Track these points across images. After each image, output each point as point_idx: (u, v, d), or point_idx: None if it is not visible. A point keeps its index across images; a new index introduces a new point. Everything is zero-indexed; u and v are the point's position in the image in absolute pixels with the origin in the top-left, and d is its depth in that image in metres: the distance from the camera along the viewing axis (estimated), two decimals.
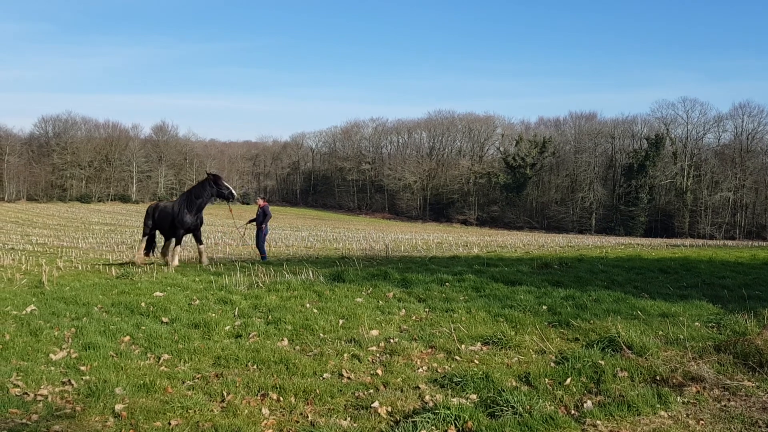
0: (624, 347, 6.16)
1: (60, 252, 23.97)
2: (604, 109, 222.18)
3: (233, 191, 15.57)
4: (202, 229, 16.00)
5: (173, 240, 15.81)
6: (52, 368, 5.96)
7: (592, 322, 7.35)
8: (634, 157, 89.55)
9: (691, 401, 5.06)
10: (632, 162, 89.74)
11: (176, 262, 15.18)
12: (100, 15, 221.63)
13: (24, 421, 4.74)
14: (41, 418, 4.80)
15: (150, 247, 16.67)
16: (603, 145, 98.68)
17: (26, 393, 5.30)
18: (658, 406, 4.95)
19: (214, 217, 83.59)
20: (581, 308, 8.12)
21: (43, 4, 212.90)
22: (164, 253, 16.46)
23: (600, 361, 5.83)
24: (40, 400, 5.16)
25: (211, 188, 15.38)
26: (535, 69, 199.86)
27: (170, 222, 15.49)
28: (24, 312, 8.20)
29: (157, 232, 16.50)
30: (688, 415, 4.82)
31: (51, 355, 6.35)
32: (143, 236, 16.63)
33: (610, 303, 8.43)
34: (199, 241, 15.86)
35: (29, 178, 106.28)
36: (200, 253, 15.77)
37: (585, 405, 5.01)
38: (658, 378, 5.51)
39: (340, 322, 7.70)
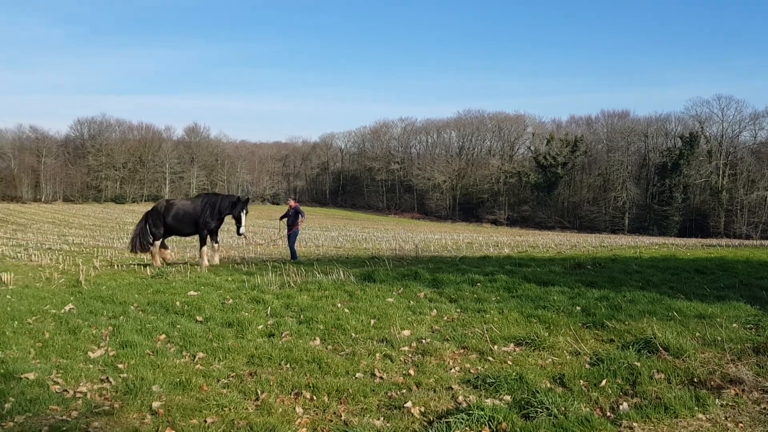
0: (660, 349, 6.06)
1: (96, 252, 24.43)
2: (636, 108, 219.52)
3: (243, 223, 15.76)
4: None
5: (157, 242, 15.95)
6: (91, 366, 6.08)
7: (627, 323, 7.25)
8: (668, 156, 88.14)
9: (730, 404, 4.96)
10: (666, 161, 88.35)
11: (216, 261, 15.40)
12: (134, 18, 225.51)
13: (64, 417, 4.84)
14: (81, 415, 4.90)
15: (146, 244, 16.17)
16: (636, 143, 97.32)
17: (66, 390, 5.41)
18: (696, 408, 4.86)
19: (245, 217, 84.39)
20: (616, 309, 8.01)
21: (79, 8, 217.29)
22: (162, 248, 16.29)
23: (636, 363, 5.75)
24: (79, 397, 5.27)
25: (238, 209, 15.48)
26: (567, 67, 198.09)
27: (194, 222, 15.51)
28: (63, 311, 8.38)
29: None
30: (726, 418, 4.73)
31: (89, 353, 6.48)
32: (155, 239, 15.94)
33: (645, 304, 8.30)
34: (215, 240, 15.93)
35: (65, 180, 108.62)
36: (214, 252, 15.83)
37: (621, 407, 4.95)
38: (695, 380, 5.42)
39: (372, 321, 7.72)
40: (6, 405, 5.01)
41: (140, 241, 16.03)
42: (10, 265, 17.53)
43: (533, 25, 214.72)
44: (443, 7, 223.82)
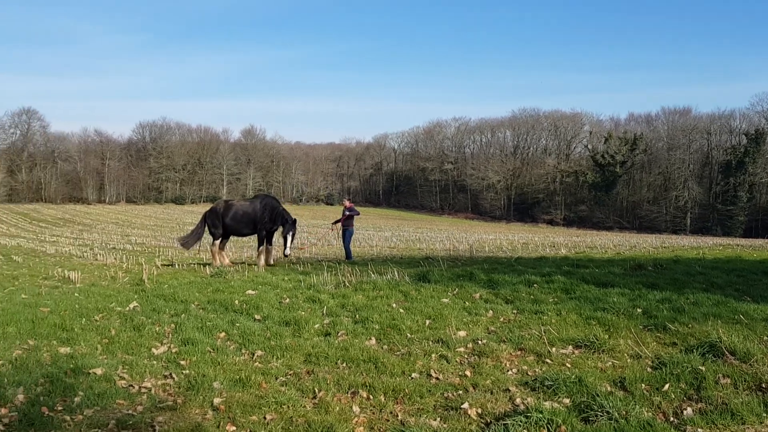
0: (726, 353, 5.86)
1: (157, 251, 25.15)
2: (699, 104, 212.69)
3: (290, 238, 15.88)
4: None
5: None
6: (154, 362, 6.26)
7: (690, 326, 7.03)
8: (732, 154, 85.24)
9: None
10: (730, 159, 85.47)
11: (270, 261, 15.67)
12: (194, 24, 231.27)
13: (130, 411, 5.01)
14: (146, 410, 5.05)
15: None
16: (698, 141, 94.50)
17: (131, 385, 5.60)
18: (765, 414, 4.68)
19: (300, 217, 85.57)
20: (678, 312, 7.78)
21: (142, 16, 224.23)
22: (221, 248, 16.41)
23: (700, 367, 5.57)
24: (144, 392, 5.44)
25: (287, 230, 15.72)
26: (625, 63, 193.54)
27: (252, 223, 15.71)
28: (127, 308, 8.66)
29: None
30: None
31: (153, 350, 6.68)
32: (214, 239, 16.19)
33: (709, 306, 8.03)
34: (270, 242, 16.02)
35: (128, 181, 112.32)
36: (268, 253, 15.91)
37: (685, 412, 4.81)
38: (764, 385, 5.22)
39: (427, 322, 7.70)
40: (76, 399, 5.22)
41: (194, 240, 16.40)
42: (77, 264, 18.23)
43: (590, 21, 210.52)
44: (497, 4, 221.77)
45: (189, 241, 16.52)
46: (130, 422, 4.80)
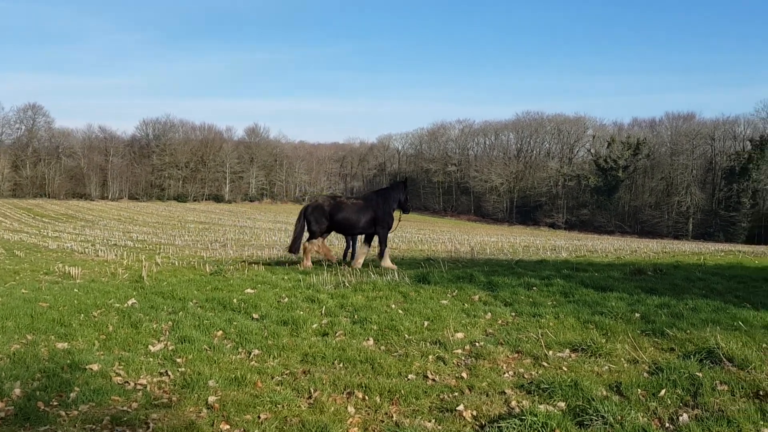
0: (724, 359, 5.84)
1: (158, 249, 25.18)
2: (703, 109, 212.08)
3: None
4: None
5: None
6: (151, 359, 6.26)
7: (688, 332, 7.02)
8: (736, 160, 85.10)
9: None
10: (734, 165, 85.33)
11: (360, 263, 14.42)
12: (200, 22, 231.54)
13: (125, 408, 5.01)
14: (140, 407, 5.05)
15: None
16: (702, 146, 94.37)
17: (127, 382, 5.60)
18: (762, 422, 4.66)
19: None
20: (677, 317, 7.76)
21: (148, 13, 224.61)
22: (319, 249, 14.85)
23: (697, 373, 5.56)
24: (139, 389, 5.44)
25: (403, 195, 14.81)
26: (629, 67, 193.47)
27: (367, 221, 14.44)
28: (125, 305, 8.66)
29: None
30: None
31: (150, 347, 6.68)
32: (312, 237, 14.54)
33: (708, 312, 8.01)
34: (369, 243, 14.98)
35: (131, 178, 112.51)
36: (361, 254, 14.96)
37: (680, 418, 4.79)
38: (761, 393, 5.20)
39: (425, 323, 7.70)
40: (71, 394, 5.22)
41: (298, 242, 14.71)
42: (78, 259, 18.27)
43: (595, 24, 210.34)
44: (501, 6, 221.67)
45: (296, 243, 14.93)
46: (125, 419, 4.80)
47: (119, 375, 5.75)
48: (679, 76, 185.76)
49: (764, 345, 6.46)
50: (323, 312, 8.40)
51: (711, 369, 5.72)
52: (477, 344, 6.78)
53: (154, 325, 7.56)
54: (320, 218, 14.38)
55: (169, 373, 5.83)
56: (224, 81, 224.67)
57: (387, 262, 14.06)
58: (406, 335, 7.20)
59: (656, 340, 6.87)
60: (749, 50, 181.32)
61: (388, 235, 14.61)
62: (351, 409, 5.08)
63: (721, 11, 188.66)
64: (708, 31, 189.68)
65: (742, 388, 5.30)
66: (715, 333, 6.69)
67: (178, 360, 6.23)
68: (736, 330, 7.07)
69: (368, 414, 5.04)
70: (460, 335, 7.12)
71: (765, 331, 7.05)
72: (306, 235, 14.49)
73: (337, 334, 7.27)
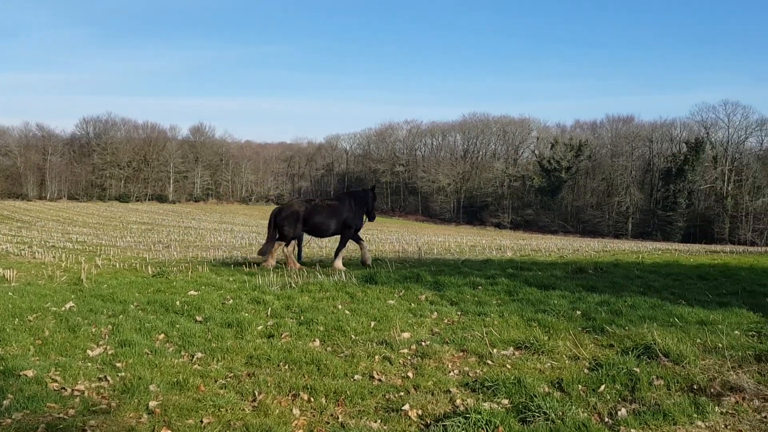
0: (660, 355, 6.03)
1: (99, 250, 24.47)
2: (642, 112, 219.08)
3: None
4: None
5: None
6: (89, 364, 6.07)
7: (627, 328, 7.23)
8: (673, 162, 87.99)
9: (730, 411, 4.93)
10: (671, 166, 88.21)
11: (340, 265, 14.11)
12: (142, 19, 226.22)
13: (61, 415, 4.84)
14: (78, 413, 4.89)
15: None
16: (640, 148, 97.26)
17: (64, 388, 5.41)
18: (695, 415, 4.83)
19: (249, 217, 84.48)
20: (616, 314, 7.99)
21: (89, 9, 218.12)
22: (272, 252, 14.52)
23: (635, 369, 5.72)
24: (77, 396, 5.26)
25: (371, 201, 14.78)
26: (572, 70, 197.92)
27: (342, 222, 14.36)
28: (63, 308, 8.39)
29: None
30: (726, 426, 4.71)
31: (88, 352, 6.48)
32: (284, 241, 14.31)
33: (646, 309, 8.27)
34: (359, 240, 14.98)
35: (70, 178, 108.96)
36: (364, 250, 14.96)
37: (619, 413, 4.92)
38: (695, 387, 5.39)
39: (372, 323, 7.70)
40: (5, 402, 5.02)
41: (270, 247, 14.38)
42: (14, 262, 17.57)
43: (538, 28, 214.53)
44: (448, 8, 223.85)
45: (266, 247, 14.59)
46: (61, 426, 4.64)
47: (55, 381, 5.55)
48: (619, 81, 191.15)
49: (698, 340, 6.70)
50: (269, 313, 8.31)
51: (648, 364, 5.90)
52: (423, 343, 6.82)
53: (93, 329, 7.34)
54: (295, 223, 14.15)
55: (109, 378, 5.67)
56: (168, 79, 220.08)
57: (339, 264, 13.93)
58: (353, 336, 7.18)
59: (596, 336, 7.04)
60: (685, 57, 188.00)
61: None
62: (296, 411, 5.04)
63: (657, 20, 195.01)
64: (646, 38, 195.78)
65: (678, 383, 5.48)
66: (652, 329, 6.91)
67: (118, 364, 6.06)
68: (672, 326, 7.32)
69: (314, 416, 5.00)
70: (406, 335, 7.15)
71: (699, 326, 7.31)
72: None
73: (282, 336, 7.20)
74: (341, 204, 14.49)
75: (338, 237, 14.81)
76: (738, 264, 15.78)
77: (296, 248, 15.40)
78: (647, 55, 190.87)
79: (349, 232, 14.49)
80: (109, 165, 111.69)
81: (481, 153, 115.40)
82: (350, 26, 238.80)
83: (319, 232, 14.70)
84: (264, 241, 14.95)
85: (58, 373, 5.75)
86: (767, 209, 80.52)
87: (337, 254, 14.25)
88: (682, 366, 5.83)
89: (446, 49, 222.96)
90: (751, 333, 7.06)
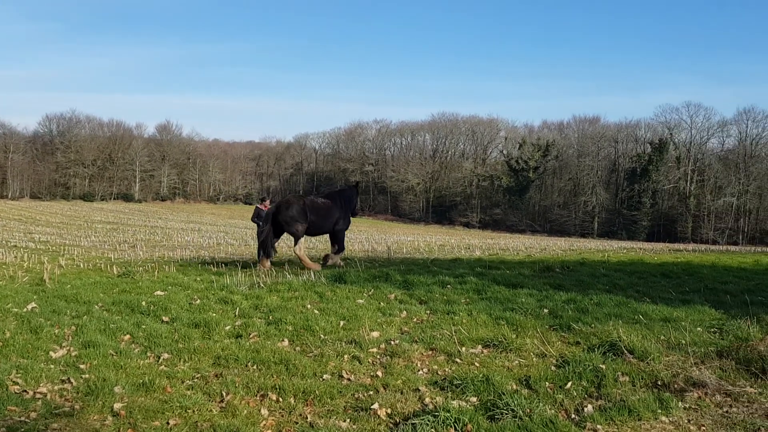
0: (625, 351, 6.13)
1: (62, 250, 24.01)
2: (607, 113, 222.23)
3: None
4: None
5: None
6: (52, 366, 5.95)
7: (593, 326, 7.33)
8: (638, 162, 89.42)
9: (693, 407, 5.03)
10: (635, 166, 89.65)
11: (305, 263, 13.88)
12: (108, 15, 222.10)
13: (23, 418, 4.73)
14: (40, 416, 4.79)
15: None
16: (606, 149, 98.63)
17: (25, 391, 5.29)
18: (660, 411, 4.92)
19: (217, 216, 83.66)
20: (583, 312, 8.09)
21: (51, 4, 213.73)
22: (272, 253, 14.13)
23: (601, 366, 5.81)
24: (39, 398, 5.15)
25: (355, 198, 14.73)
26: (539, 72, 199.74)
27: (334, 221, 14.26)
28: (25, 309, 8.20)
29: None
30: (689, 421, 4.80)
31: (51, 353, 6.34)
32: (295, 239, 13.94)
33: (611, 307, 8.40)
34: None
35: (33, 176, 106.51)
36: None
37: (586, 409, 4.99)
38: (659, 383, 5.49)
39: (341, 323, 7.68)
40: None
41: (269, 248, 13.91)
42: None
43: (507, 27, 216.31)
44: (418, 7, 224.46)
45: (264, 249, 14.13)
46: (22, 429, 4.54)
47: (17, 384, 5.43)
48: (585, 82, 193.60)
49: (662, 337, 6.82)
50: (237, 313, 8.24)
51: (613, 361, 5.99)
52: (392, 342, 6.83)
53: (56, 331, 7.19)
54: (304, 219, 13.65)
55: (72, 380, 5.56)
56: (133, 76, 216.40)
57: (336, 259, 14.11)
58: (322, 335, 7.16)
59: (563, 334, 7.13)
60: (648, 59, 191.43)
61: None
62: (264, 412, 5.00)
63: (623, 23, 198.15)
64: (611, 40, 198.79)
65: (642, 379, 5.58)
66: (618, 326, 7.02)
67: (82, 366, 5.95)
68: (636, 323, 7.44)
69: (282, 416, 4.97)
70: (375, 334, 7.14)
71: (663, 323, 7.45)
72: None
73: (251, 336, 7.14)
74: (334, 203, 14.44)
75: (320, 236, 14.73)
76: (700, 262, 16.11)
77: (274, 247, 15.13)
78: (613, 57, 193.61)
79: (342, 231, 14.48)
80: (73, 163, 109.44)
81: (450, 153, 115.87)
82: (320, 25, 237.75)
83: (313, 231, 14.40)
84: (256, 244, 14.78)
85: (19, 375, 5.62)
86: (728, 209, 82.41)
87: (337, 252, 14.43)
88: (647, 362, 5.93)
89: (416, 49, 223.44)
90: (713, 330, 7.21)
